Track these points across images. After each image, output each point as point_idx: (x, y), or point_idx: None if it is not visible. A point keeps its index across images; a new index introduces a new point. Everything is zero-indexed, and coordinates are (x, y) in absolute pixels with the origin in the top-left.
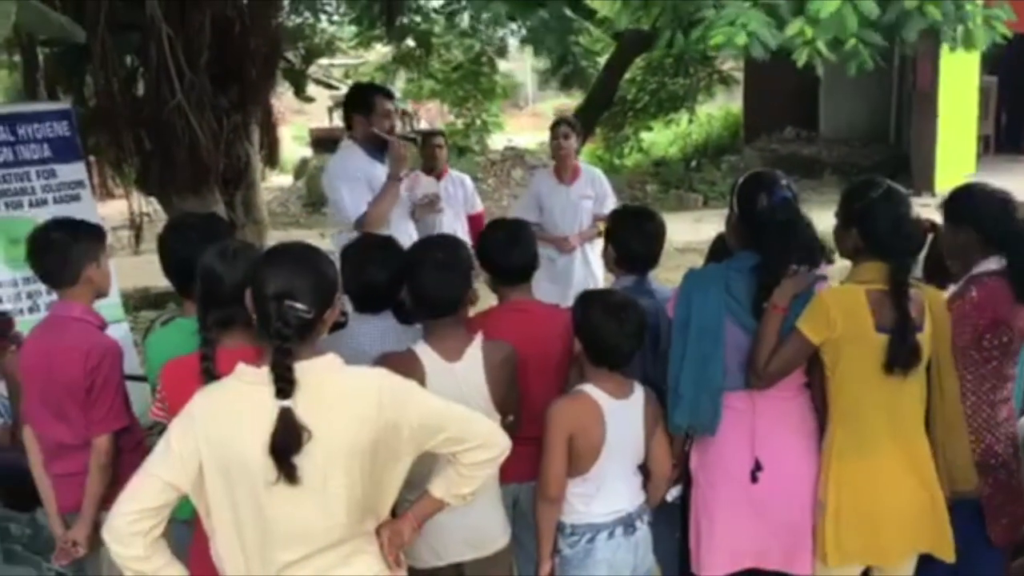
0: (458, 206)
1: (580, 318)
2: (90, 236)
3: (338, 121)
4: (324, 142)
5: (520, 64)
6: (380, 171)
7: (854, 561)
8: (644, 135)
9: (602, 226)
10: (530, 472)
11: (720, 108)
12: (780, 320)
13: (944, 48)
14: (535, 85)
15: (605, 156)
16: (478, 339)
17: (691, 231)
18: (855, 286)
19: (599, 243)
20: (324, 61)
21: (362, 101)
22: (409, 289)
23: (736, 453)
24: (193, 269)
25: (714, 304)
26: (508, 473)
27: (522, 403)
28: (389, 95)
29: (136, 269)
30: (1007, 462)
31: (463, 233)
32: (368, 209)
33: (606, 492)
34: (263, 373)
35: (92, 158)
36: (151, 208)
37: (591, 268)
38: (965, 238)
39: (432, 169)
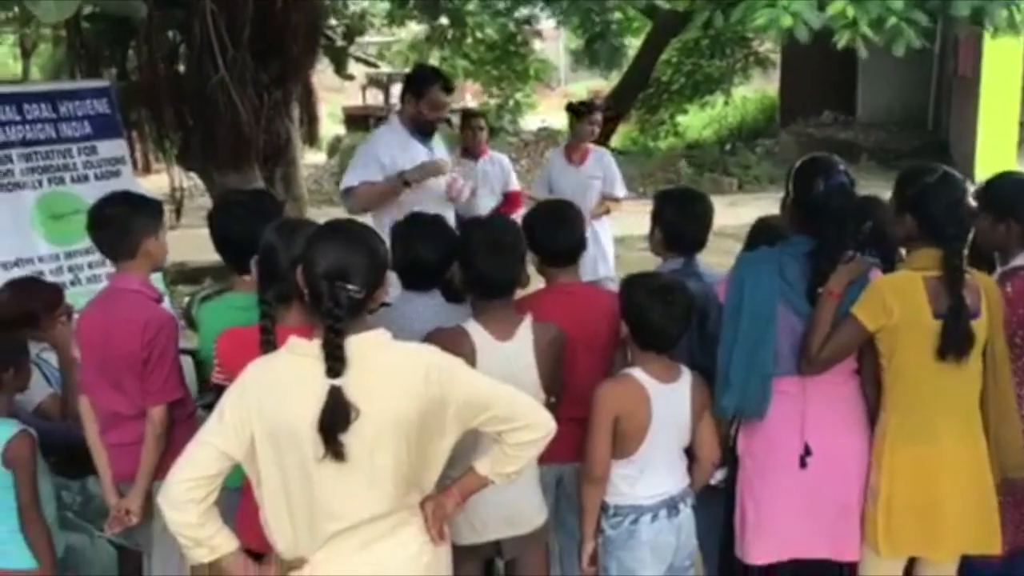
0: (496, 186)
1: (627, 301)
2: (149, 210)
3: (371, 99)
4: (357, 120)
5: (553, 45)
6: (416, 152)
7: (906, 551)
8: (679, 118)
9: (611, 205)
10: (573, 453)
11: (756, 91)
12: (835, 306)
13: (987, 33)
14: (567, 66)
15: (639, 139)
16: (528, 320)
17: (726, 215)
18: (911, 273)
19: (606, 220)
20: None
21: (418, 84)
22: (463, 269)
23: (785, 438)
24: (243, 245)
25: (767, 289)
26: (551, 453)
27: (567, 384)
28: (447, 88)
29: (173, 243)
30: None
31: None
32: (359, 186)
33: (650, 474)
34: (315, 347)
35: (134, 133)
36: (191, 183)
37: (601, 245)
38: (1004, 230)
39: (471, 149)
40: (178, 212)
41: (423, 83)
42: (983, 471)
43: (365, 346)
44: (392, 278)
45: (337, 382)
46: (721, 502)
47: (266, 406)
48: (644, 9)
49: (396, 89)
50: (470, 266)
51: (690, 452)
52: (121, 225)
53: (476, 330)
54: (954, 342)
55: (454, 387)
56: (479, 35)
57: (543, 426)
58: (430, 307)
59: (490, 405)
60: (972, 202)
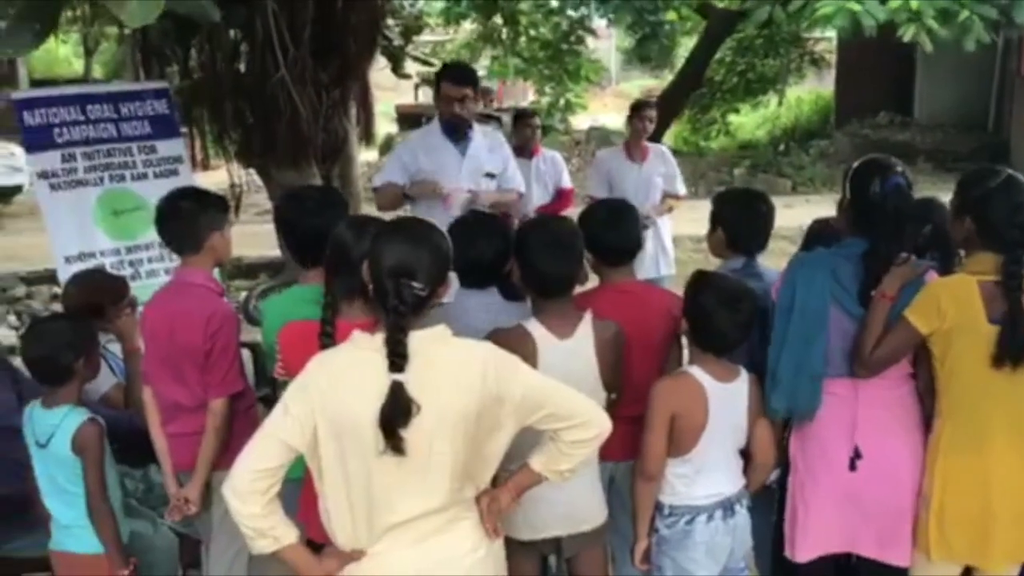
0: (549, 183)
1: (692, 301)
2: (215, 206)
3: (423, 98)
4: (409, 118)
5: (605, 44)
6: (442, 154)
7: (958, 559)
8: (731, 117)
9: (673, 203)
10: (627, 451)
11: (810, 91)
12: (888, 308)
13: None
14: (619, 65)
15: (691, 138)
16: (588, 317)
17: (780, 216)
18: (967, 276)
19: (667, 218)
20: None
21: (436, 81)
22: (521, 268)
23: (836, 440)
24: (310, 238)
25: (819, 289)
26: (605, 451)
27: (624, 381)
28: (458, 80)
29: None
30: None
31: None
32: (381, 187)
33: (706, 475)
34: (377, 341)
35: (194, 130)
36: (249, 179)
37: (663, 242)
38: None
39: (525, 149)
40: (236, 208)
41: (437, 79)
42: None
43: (427, 342)
44: (452, 276)
45: (399, 377)
46: (773, 502)
47: (329, 400)
48: (698, 8)
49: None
50: (529, 265)
51: (745, 453)
52: (188, 219)
53: (536, 328)
54: (1011, 349)
55: (511, 384)
56: (532, 33)
57: (599, 425)
58: (487, 304)
59: (546, 403)
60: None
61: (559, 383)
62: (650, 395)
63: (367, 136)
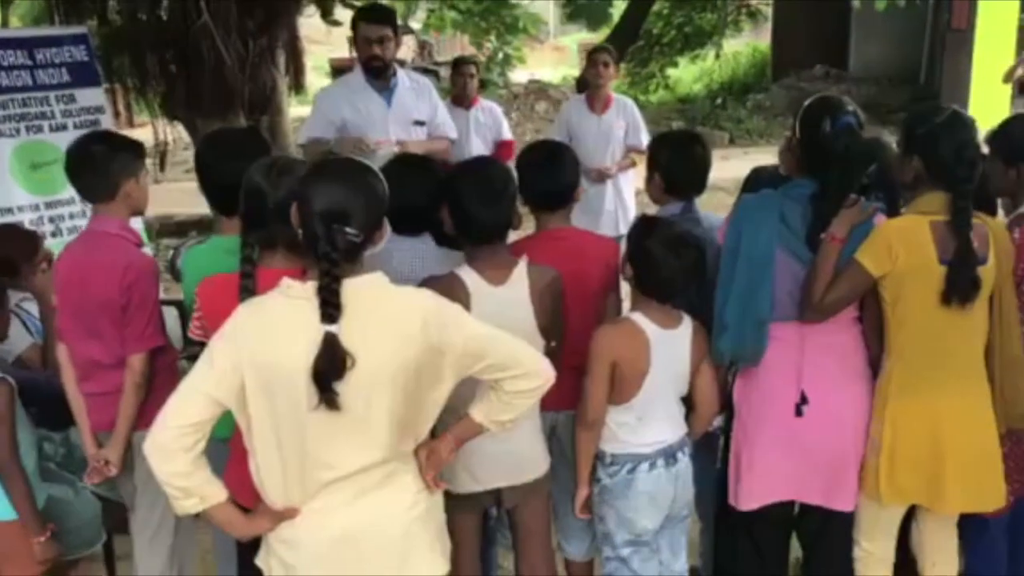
0: (488, 135)
1: (636, 246)
2: (129, 150)
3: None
4: (344, 72)
5: None
6: (366, 102)
7: (908, 500)
8: (670, 71)
9: (636, 157)
10: (567, 401)
11: (747, 45)
12: (837, 251)
13: None
14: (557, 20)
15: (630, 92)
16: (523, 263)
17: (718, 168)
18: (918, 217)
19: (631, 173)
20: None
21: (352, 24)
22: (451, 213)
23: (781, 386)
24: (230, 184)
25: (766, 232)
26: (545, 402)
27: None
28: (375, 19)
29: (158, 196)
30: None
31: None
32: (307, 144)
33: (648, 422)
34: (309, 289)
35: (116, 83)
36: (175, 135)
37: (623, 198)
38: (1015, 175)
39: (463, 98)
40: (162, 164)
41: (353, 20)
42: (987, 422)
43: (362, 290)
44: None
45: (332, 328)
46: (716, 449)
47: (258, 351)
48: None
49: None
50: (460, 211)
51: (688, 401)
52: (101, 165)
53: (470, 276)
54: (959, 287)
55: (451, 333)
56: None
57: (541, 374)
58: (420, 252)
59: (488, 352)
60: (983, 145)
61: (501, 332)
62: (591, 342)
63: (297, 87)
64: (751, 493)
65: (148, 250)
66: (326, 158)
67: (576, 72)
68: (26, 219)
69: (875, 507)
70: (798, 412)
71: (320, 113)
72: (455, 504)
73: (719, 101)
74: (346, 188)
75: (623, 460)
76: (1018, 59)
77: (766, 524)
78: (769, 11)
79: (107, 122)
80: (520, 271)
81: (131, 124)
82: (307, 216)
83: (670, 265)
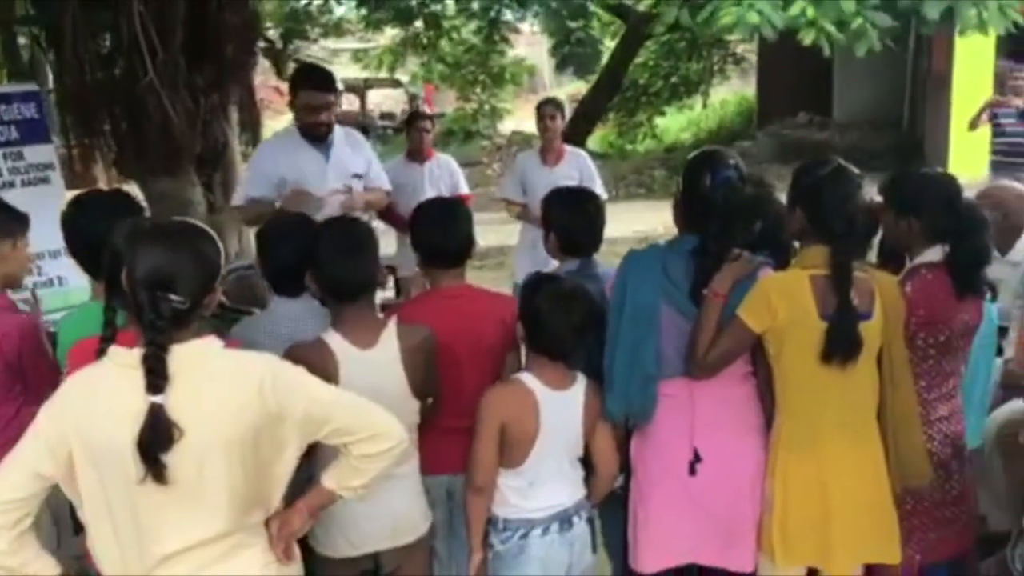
0: (444, 188)
1: (525, 304)
2: (5, 216)
3: (347, 105)
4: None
5: (537, 49)
6: (305, 160)
7: (803, 561)
8: (657, 121)
9: None
10: (463, 464)
11: (735, 93)
12: (720, 307)
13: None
14: (552, 71)
15: (617, 142)
16: (392, 324)
17: None
18: (799, 271)
19: None
20: (331, 44)
21: (290, 89)
22: (313, 274)
23: (674, 443)
24: (94, 248)
25: (649, 287)
26: (443, 464)
27: (455, 393)
28: (323, 86)
29: None
30: (944, 462)
31: None
32: (243, 204)
33: (541, 486)
34: (136, 357)
35: (71, 139)
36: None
37: None
38: (907, 227)
39: (418, 153)
40: None
41: (294, 84)
42: (877, 480)
43: (192, 356)
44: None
45: (158, 399)
46: (623, 508)
47: (84, 421)
48: (614, 8)
49: (373, 95)
50: (322, 269)
51: (588, 463)
52: None
53: (335, 340)
54: (840, 345)
55: (292, 399)
56: (454, 36)
57: (392, 437)
58: (302, 311)
59: (333, 416)
60: (878, 198)
61: (346, 393)
62: (479, 403)
63: (254, 142)
64: (648, 556)
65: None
66: (156, 222)
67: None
68: None
69: (771, 566)
70: (692, 470)
71: (258, 171)
72: (334, 568)
73: None
74: (170, 252)
75: (515, 525)
76: (980, 107)
77: None
78: (754, 59)
79: (57, 178)
80: (389, 332)
81: (92, 180)
82: (132, 283)
83: (559, 322)
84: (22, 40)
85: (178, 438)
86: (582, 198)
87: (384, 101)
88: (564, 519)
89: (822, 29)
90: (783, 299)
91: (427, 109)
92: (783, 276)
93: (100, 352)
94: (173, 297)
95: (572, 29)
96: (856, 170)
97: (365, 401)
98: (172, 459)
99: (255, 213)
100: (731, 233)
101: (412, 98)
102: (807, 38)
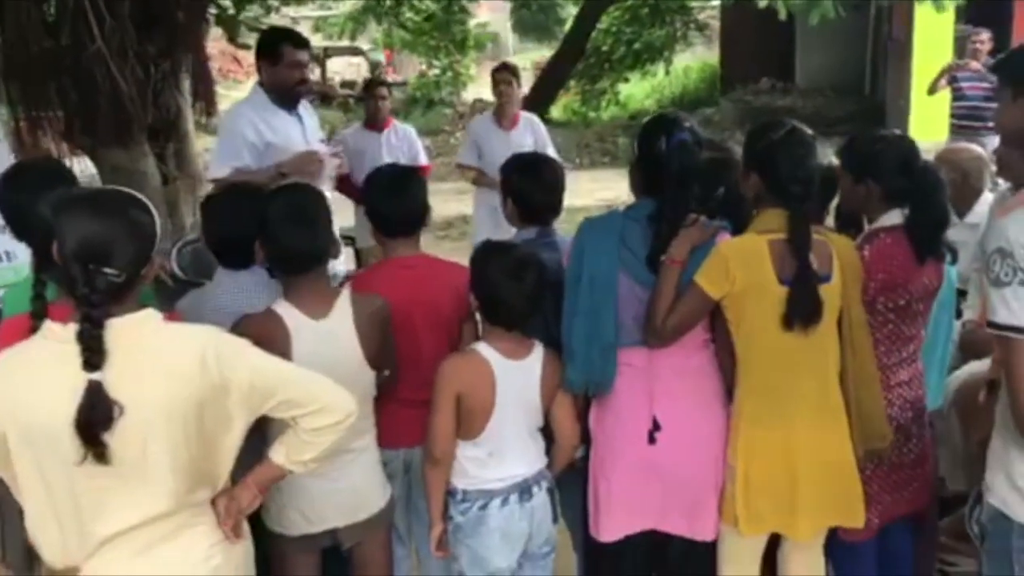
0: (401, 157)
1: (477, 274)
2: None
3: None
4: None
5: (500, 16)
6: (284, 123)
7: (767, 528)
8: (621, 88)
9: None
10: (420, 436)
11: (698, 60)
12: (677, 274)
13: None
14: (515, 39)
15: (581, 110)
16: (346, 293)
17: None
18: (756, 236)
19: None
20: (291, 12)
21: (269, 49)
22: (264, 244)
23: (633, 412)
24: (30, 218)
25: (606, 255)
26: (400, 437)
27: (412, 364)
28: (300, 43)
29: None
30: (904, 426)
31: None
32: (228, 177)
33: (500, 456)
34: (70, 333)
35: (19, 110)
36: (82, 166)
37: None
38: (864, 191)
39: (375, 121)
40: None
41: (276, 44)
42: (841, 444)
43: (131, 330)
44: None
45: (96, 376)
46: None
47: (19, 400)
48: None
49: (333, 63)
50: (272, 240)
51: (549, 433)
52: None
53: (286, 310)
54: (800, 309)
55: (236, 371)
56: (417, 4)
57: (342, 409)
58: (251, 284)
59: (279, 389)
60: (836, 162)
61: (293, 365)
62: (435, 374)
63: (208, 113)
64: (610, 524)
65: None
66: (86, 191)
67: (526, 90)
68: None
69: (736, 535)
70: (651, 439)
71: (239, 139)
72: (290, 546)
73: None
74: (102, 223)
75: (474, 496)
76: (940, 71)
77: (629, 555)
78: (717, 25)
79: (2, 151)
80: (343, 302)
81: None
82: (64, 255)
83: (509, 289)
84: None
85: (118, 416)
86: (541, 165)
87: (345, 69)
88: (524, 489)
89: None
90: (741, 264)
91: (390, 77)
92: (740, 241)
93: (33, 329)
94: (107, 270)
95: None
96: (810, 131)
97: (313, 373)
98: (113, 438)
99: (254, 180)
100: (687, 198)
101: (375, 66)
102: (761, 1)
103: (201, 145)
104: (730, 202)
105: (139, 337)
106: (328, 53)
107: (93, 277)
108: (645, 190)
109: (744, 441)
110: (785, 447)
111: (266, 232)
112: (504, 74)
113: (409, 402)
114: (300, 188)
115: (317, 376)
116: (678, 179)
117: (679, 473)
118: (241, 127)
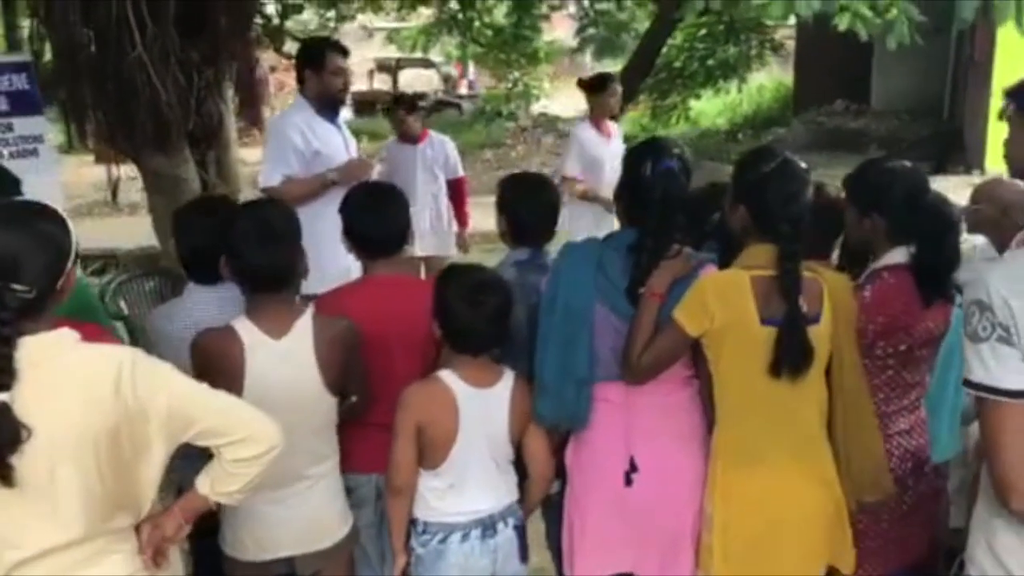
0: (437, 170)
1: (436, 299)
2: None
3: (380, 84)
4: (366, 105)
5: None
6: (327, 131)
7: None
8: (693, 104)
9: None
10: None
11: (772, 79)
12: (656, 307)
13: None
14: (592, 53)
15: (650, 125)
16: (308, 314)
17: None
18: (740, 271)
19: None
20: (366, 23)
21: (313, 57)
22: (228, 259)
23: (609, 451)
24: None
25: (583, 284)
26: (373, 462)
27: (386, 387)
28: (343, 51)
29: (108, 230)
30: (901, 478)
31: (442, 196)
32: (279, 185)
33: (462, 489)
34: None
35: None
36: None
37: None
38: (869, 225)
39: (406, 136)
40: (113, 195)
41: (319, 52)
42: (828, 495)
43: (44, 349)
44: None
45: (3, 396)
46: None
47: None
48: None
49: (405, 75)
50: (236, 256)
51: (523, 466)
52: None
53: (245, 326)
54: (789, 356)
55: (153, 397)
56: (487, 20)
57: (265, 440)
58: (221, 299)
59: (199, 417)
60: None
61: (217, 392)
62: (397, 402)
63: (254, 121)
64: (585, 563)
65: None
66: None
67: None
68: None
69: None
70: (627, 481)
71: (286, 146)
72: (242, 571)
73: (740, 135)
74: (10, 236)
75: (434, 529)
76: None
77: None
78: (793, 45)
79: (48, 151)
80: (304, 322)
81: (100, 156)
82: None
83: (467, 314)
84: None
85: (26, 439)
86: (539, 185)
87: (415, 81)
88: (487, 525)
89: (857, 14)
90: (720, 300)
91: (462, 90)
92: (722, 276)
93: None
94: (16, 287)
95: (598, 12)
96: (804, 164)
97: (238, 401)
98: (20, 460)
99: (303, 190)
100: (670, 227)
101: (446, 78)
102: (842, 23)
103: (246, 155)
104: (719, 232)
105: (53, 357)
106: (400, 64)
107: (2, 294)
108: (629, 218)
109: (722, 486)
110: (765, 491)
111: (230, 247)
112: (613, 86)
113: (382, 426)
114: (270, 204)
115: (243, 404)
116: (661, 208)
117: (655, 517)
118: (290, 134)
